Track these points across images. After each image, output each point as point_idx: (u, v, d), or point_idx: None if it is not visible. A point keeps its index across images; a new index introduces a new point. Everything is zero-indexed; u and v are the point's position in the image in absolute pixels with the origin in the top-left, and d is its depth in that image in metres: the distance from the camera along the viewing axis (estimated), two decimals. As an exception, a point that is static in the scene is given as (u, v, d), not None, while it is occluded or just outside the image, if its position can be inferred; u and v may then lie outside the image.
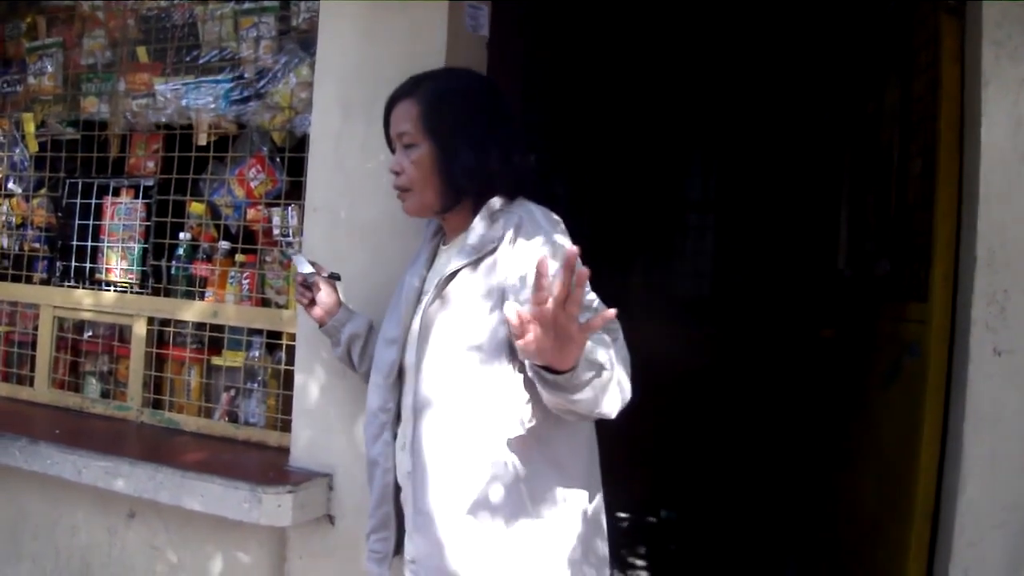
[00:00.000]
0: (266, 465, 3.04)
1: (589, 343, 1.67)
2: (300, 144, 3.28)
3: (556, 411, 1.85)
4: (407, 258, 2.36)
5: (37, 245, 4.02)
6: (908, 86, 3.22)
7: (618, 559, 5.12)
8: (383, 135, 2.25)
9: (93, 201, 3.77)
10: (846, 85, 4.15)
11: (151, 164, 3.71)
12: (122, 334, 3.72)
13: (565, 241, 2.01)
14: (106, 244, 3.74)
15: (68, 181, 3.85)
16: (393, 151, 2.20)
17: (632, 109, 6.51)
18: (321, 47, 3.03)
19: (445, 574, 2.01)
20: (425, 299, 2.11)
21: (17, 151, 4.04)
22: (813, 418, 4.30)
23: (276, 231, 3.37)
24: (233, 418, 3.43)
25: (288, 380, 3.16)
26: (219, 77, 3.46)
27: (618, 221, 6.68)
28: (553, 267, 1.84)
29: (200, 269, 3.52)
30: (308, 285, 2.49)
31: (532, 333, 1.55)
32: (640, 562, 5.20)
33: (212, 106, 3.44)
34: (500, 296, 1.95)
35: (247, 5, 3.42)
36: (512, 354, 1.91)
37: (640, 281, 6.95)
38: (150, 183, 3.66)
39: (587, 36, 5.74)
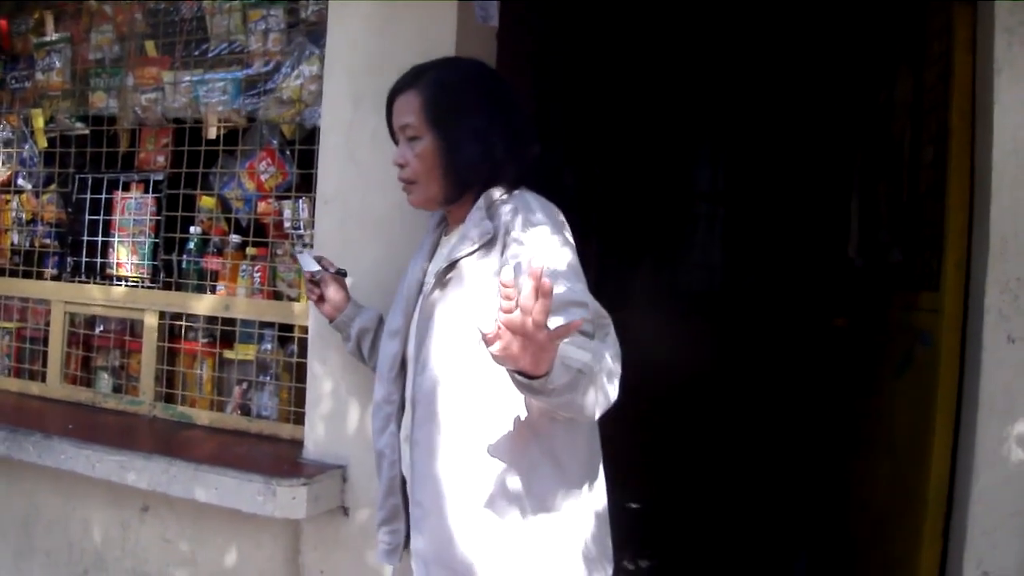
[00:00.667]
0: (279, 458, 3.05)
1: (569, 347, 1.67)
2: (310, 136, 3.27)
3: (540, 412, 1.85)
4: (417, 247, 2.36)
5: (48, 241, 4.02)
6: (920, 75, 3.21)
7: (631, 550, 5.12)
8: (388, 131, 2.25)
9: (103, 196, 3.77)
10: (857, 74, 4.13)
11: (161, 158, 3.71)
12: (133, 328, 3.72)
13: (560, 232, 2.00)
14: (116, 239, 3.74)
15: (78, 176, 3.85)
16: (397, 143, 2.21)
17: (642, 99, 6.50)
18: (330, 39, 3.03)
19: (445, 566, 2.02)
20: (425, 290, 2.13)
21: (26, 147, 4.04)
22: (825, 408, 4.29)
23: (287, 224, 3.37)
24: (246, 411, 3.43)
25: (300, 373, 3.17)
26: (228, 71, 3.46)
27: (628, 211, 6.67)
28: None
29: (211, 263, 3.52)
30: (316, 281, 2.50)
31: (501, 341, 1.53)
32: (653, 553, 5.20)
33: (221, 100, 3.44)
34: (495, 287, 1.94)
35: (255, -2, 3.42)
36: None
37: (650, 272, 6.94)
38: (160, 177, 3.66)
39: (597, 27, 5.73)
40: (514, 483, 1.94)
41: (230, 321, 3.44)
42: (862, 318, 3.72)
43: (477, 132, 2.10)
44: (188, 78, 3.52)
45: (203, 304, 3.47)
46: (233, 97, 3.43)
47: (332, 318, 2.52)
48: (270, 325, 3.38)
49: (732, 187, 6.92)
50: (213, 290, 3.50)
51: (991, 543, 2.52)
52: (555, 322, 1.61)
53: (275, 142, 3.42)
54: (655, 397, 5.93)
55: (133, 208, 3.70)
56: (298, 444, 3.10)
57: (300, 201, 3.33)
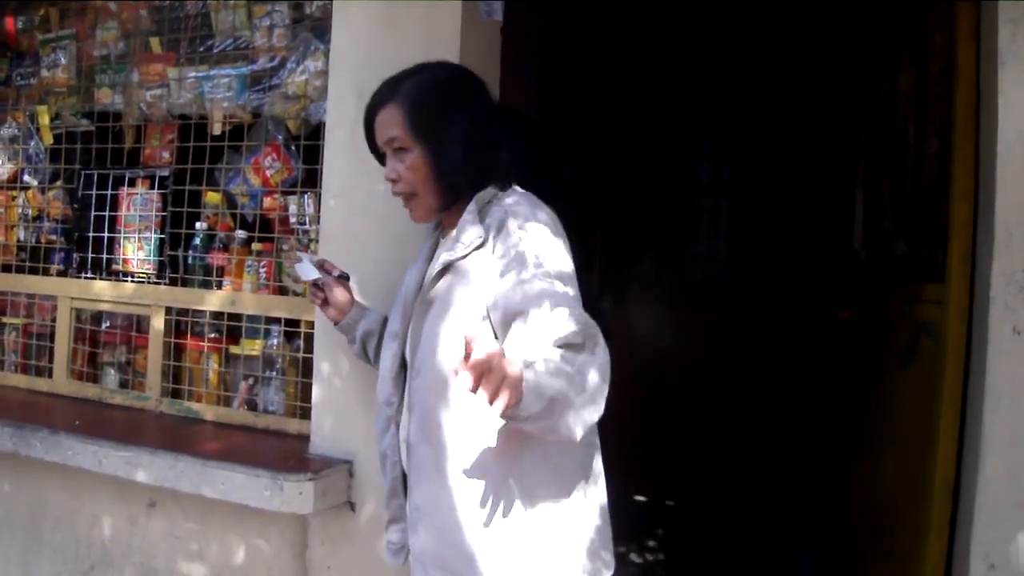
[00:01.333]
0: (286, 453, 3.05)
1: (543, 375, 1.68)
2: (315, 132, 3.28)
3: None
4: (422, 242, 2.37)
5: (54, 237, 4.03)
6: (923, 66, 3.20)
7: (636, 543, 5.13)
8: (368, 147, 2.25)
9: (109, 192, 3.78)
10: (861, 65, 4.13)
11: (166, 154, 3.72)
12: (140, 324, 3.73)
13: (550, 232, 1.99)
14: (122, 235, 3.75)
15: (83, 173, 3.86)
16: (381, 160, 2.21)
17: (646, 92, 6.49)
18: (335, 34, 3.03)
19: (441, 567, 2.03)
20: (421, 293, 2.14)
21: (32, 144, 4.04)
22: (830, 400, 4.29)
23: (293, 219, 3.38)
24: (252, 406, 3.44)
25: (307, 368, 3.18)
26: (233, 67, 3.46)
27: (632, 203, 6.67)
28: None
29: (217, 258, 3.53)
30: (320, 286, 2.50)
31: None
32: (657, 547, 5.20)
33: (226, 95, 3.44)
34: (487, 288, 1.96)
35: (260, -6, 3.42)
36: None
37: (654, 264, 6.94)
38: (166, 173, 3.67)
39: (601, 20, 5.73)
40: (508, 484, 1.95)
41: (236, 316, 3.45)
42: (867, 310, 3.72)
43: (461, 136, 2.09)
44: (193, 74, 3.53)
45: (209, 300, 3.47)
46: (238, 93, 3.43)
47: (337, 321, 2.53)
48: (276, 320, 3.39)
49: (736, 179, 6.91)
50: (219, 285, 3.51)
51: (998, 535, 2.52)
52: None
53: (280, 137, 3.42)
54: (659, 389, 5.94)
55: (139, 204, 3.71)
56: (305, 439, 3.10)
57: (306, 196, 3.33)
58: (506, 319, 1.90)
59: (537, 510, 1.96)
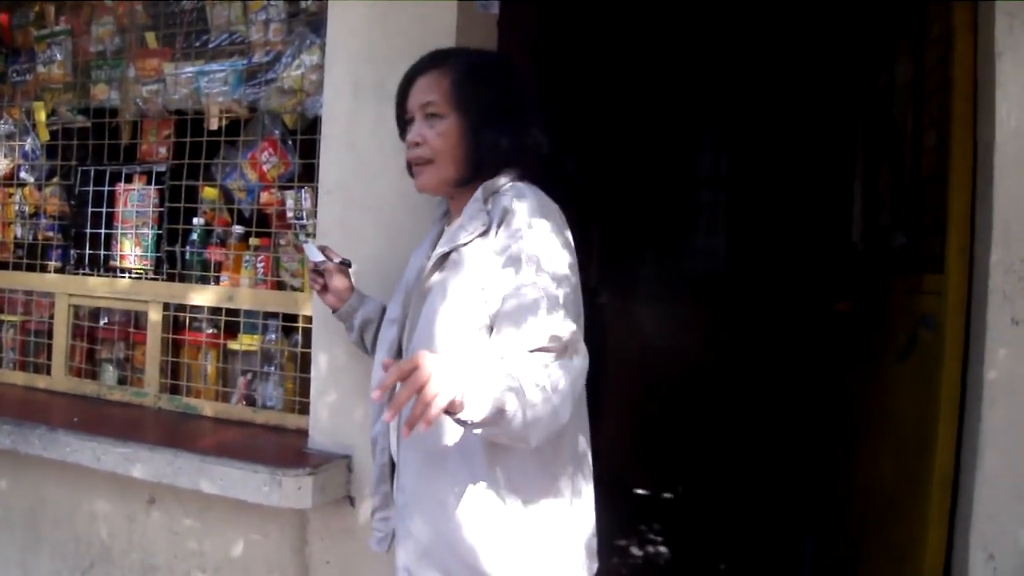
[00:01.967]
0: (285, 448, 3.06)
1: (495, 387, 1.68)
2: (312, 126, 3.27)
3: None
4: (421, 238, 2.37)
5: (51, 234, 4.03)
6: (920, 57, 3.20)
7: (636, 534, 5.15)
8: (395, 115, 2.24)
9: (106, 188, 3.77)
10: (858, 56, 4.12)
11: (163, 150, 3.72)
12: (138, 320, 3.73)
13: (553, 229, 1.99)
14: (120, 231, 3.74)
15: (80, 169, 3.85)
16: (403, 127, 2.21)
17: (643, 85, 6.48)
18: (331, 29, 3.03)
19: (425, 553, 2.03)
20: (422, 278, 2.14)
21: (28, 140, 4.04)
22: (829, 392, 4.29)
23: (290, 214, 3.37)
24: (251, 402, 3.44)
25: (305, 363, 3.18)
26: (229, 61, 3.46)
27: (630, 197, 6.66)
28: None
29: (214, 254, 3.53)
30: (320, 272, 2.50)
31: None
32: (659, 537, 5.21)
33: (223, 90, 3.44)
34: (486, 278, 1.96)
35: (256, -12, 3.41)
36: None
37: (652, 257, 6.93)
38: (162, 169, 3.66)
39: (598, 12, 5.72)
40: (495, 474, 1.95)
41: (234, 312, 3.44)
42: (865, 302, 3.72)
43: (500, 119, 2.11)
44: (189, 69, 3.52)
45: (207, 295, 3.47)
46: (234, 88, 3.43)
47: (336, 308, 2.52)
48: (274, 315, 3.38)
49: (734, 171, 6.90)
50: (217, 281, 3.51)
51: (997, 526, 2.53)
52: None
53: (277, 132, 3.42)
54: (658, 381, 5.95)
55: (136, 200, 3.71)
56: (303, 434, 3.10)
57: (303, 191, 3.33)
58: (497, 318, 1.90)
59: (523, 500, 1.96)
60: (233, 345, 3.48)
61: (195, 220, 3.55)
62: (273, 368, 3.40)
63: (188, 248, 3.56)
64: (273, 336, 3.40)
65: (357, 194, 2.93)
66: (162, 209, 3.64)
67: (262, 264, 3.42)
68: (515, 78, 2.22)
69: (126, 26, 3.75)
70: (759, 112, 6.37)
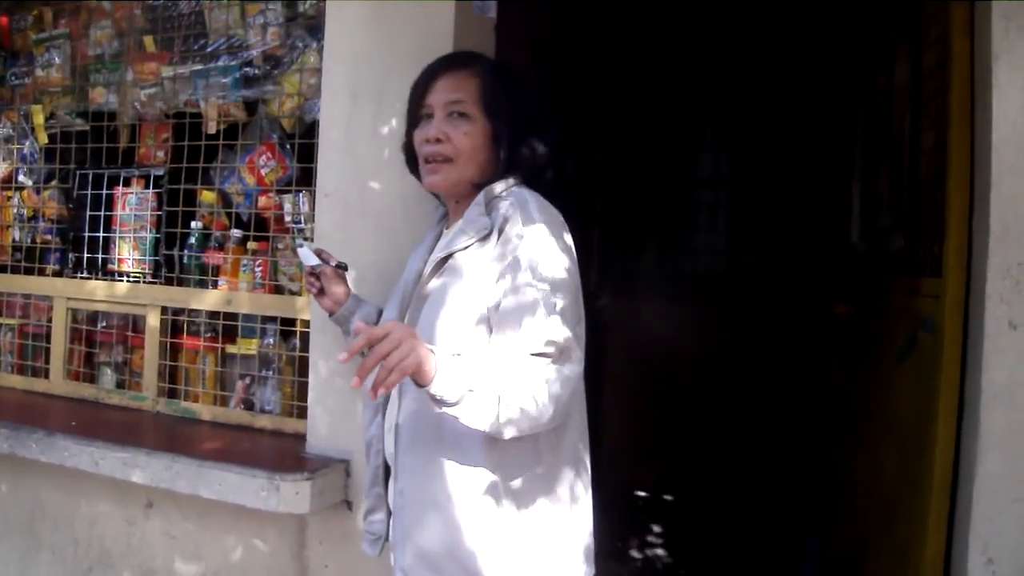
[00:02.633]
0: (283, 452, 3.05)
1: (477, 374, 1.74)
2: (310, 130, 3.27)
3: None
4: (418, 242, 2.37)
5: (49, 237, 4.03)
6: (918, 59, 3.20)
7: (638, 535, 5.15)
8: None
9: (104, 192, 3.79)
10: (856, 57, 4.12)
11: (161, 153, 3.71)
12: (136, 324, 3.72)
13: (556, 234, 1.99)
14: (118, 234, 3.75)
15: (78, 172, 3.86)
16: (415, 122, 2.21)
17: (642, 86, 6.48)
18: (329, 33, 3.03)
19: (421, 555, 2.02)
20: (420, 281, 2.14)
21: (27, 143, 4.04)
22: (830, 393, 4.29)
23: (288, 218, 3.37)
24: (249, 406, 3.43)
25: (303, 367, 3.17)
26: (227, 65, 3.45)
27: (629, 197, 6.65)
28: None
29: (212, 257, 3.53)
30: (316, 275, 2.49)
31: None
32: (660, 539, 5.21)
33: (221, 94, 3.44)
34: (485, 283, 1.96)
35: (253, -8, 3.41)
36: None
37: (652, 258, 6.92)
38: (160, 172, 3.67)
39: (595, 14, 5.72)
40: (494, 476, 1.95)
41: (232, 316, 3.44)
42: (864, 304, 3.72)
43: (522, 128, 2.13)
44: (187, 73, 3.52)
45: (205, 299, 3.47)
46: (232, 91, 3.43)
47: (332, 312, 2.52)
48: (272, 319, 3.38)
49: (734, 172, 6.89)
50: (215, 285, 3.50)
51: (996, 529, 2.52)
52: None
53: (275, 136, 3.42)
54: (659, 382, 5.94)
55: (134, 203, 3.71)
56: (301, 438, 3.10)
57: (301, 195, 3.33)
58: (495, 324, 1.91)
59: (521, 504, 1.96)
60: (231, 349, 3.48)
61: (193, 224, 3.55)
62: (271, 372, 3.40)
63: (186, 252, 3.55)
64: (271, 340, 3.40)
65: (355, 198, 2.93)
66: (160, 213, 3.64)
67: (260, 268, 3.41)
68: (532, 93, 2.25)
69: (124, 30, 3.75)
70: (759, 113, 6.36)
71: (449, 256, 2.05)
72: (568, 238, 2.03)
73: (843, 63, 4.50)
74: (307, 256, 2.47)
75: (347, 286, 2.53)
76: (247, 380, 3.45)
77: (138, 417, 3.54)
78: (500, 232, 1.97)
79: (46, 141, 3.98)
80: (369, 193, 2.88)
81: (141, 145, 3.77)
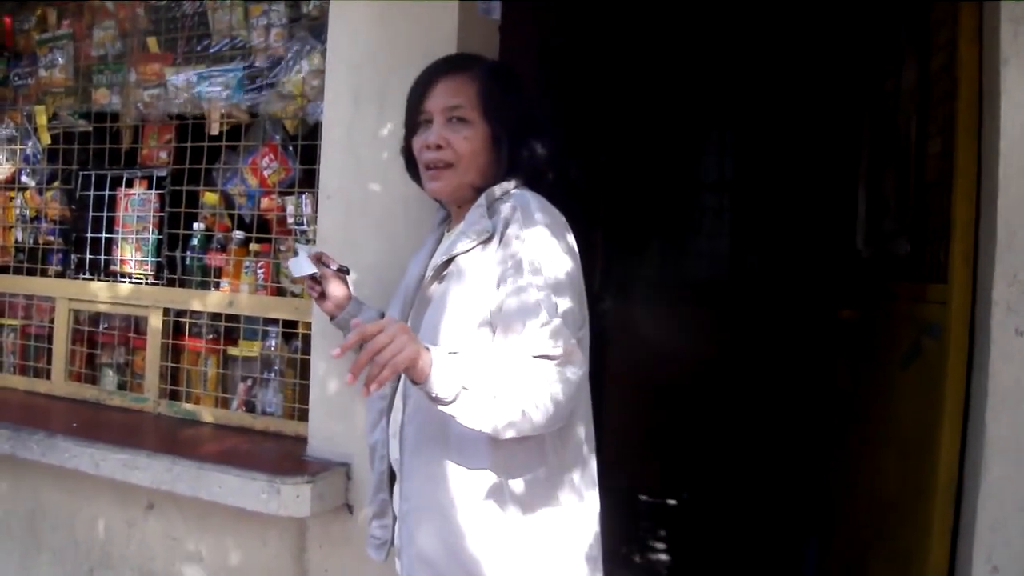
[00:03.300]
0: (284, 455, 3.04)
1: (474, 373, 1.73)
2: (313, 132, 3.27)
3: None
4: (420, 244, 2.36)
5: (51, 238, 4.02)
6: (926, 64, 3.18)
7: (639, 539, 5.14)
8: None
9: (106, 193, 3.78)
10: (864, 62, 4.11)
11: (164, 154, 3.71)
12: (138, 325, 3.72)
13: (558, 235, 1.99)
14: (120, 236, 3.74)
15: (81, 173, 3.85)
16: (413, 128, 2.19)
17: (646, 90, 6.47)
18: (332, 34, 3.02)
19: (427, 561, 2.01)
20: (422, 285, 2.13)
21: (30, 144, 4.04)
22: (833, 398, 4.27)
23: (290, 220, 3.37)
24: (250, 408, 3.43)
25: (305, 369, 3.17)
26: (230, 66, 3.45)
27: (634, 201, 6.65)
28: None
29: (215, 259, 3.52)
30: (318, 279, 2.48)
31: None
32: (661, 542, 5.21)
33: (224, 95, 3.43)
34: (488, 286, 1.95)
35: (257, -7, 3.41)
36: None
37: (656, 262, 6.91)
38: (163, 174, 3.66)
39: (600, 17, 5.71)
40: (500, 480, 1.94)
41: (234, 318, 3.44)
42: (869, 309, 3.70)
43: (522, 131, 2.12)
44: (191, 74, 3.51)
45: (207, 301, 3.46)
46: (235, 93, 3.42)
47: (334, 316, 2.50)
48: (274, 321, 3.38)
49: (739, 176, 6.88)
50: (217, 287, 3.49)
51: (1001, 537, 2.50)
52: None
53: (278, 138, 3.42)
54: (662, 386, 5.93)
55: (136, 205, 3.70)
56: (303, 441, 3.09)
57: (303, 197, 3.32)
58: (498, 327, 1.89)
59: (526, 509, 1.95)
60: (233, 351, 3.48)
61: (195, 225, 3.55)
62: (273, 374, 3.39)
63: (188, 253, 3.55)
64: (273, 342, 3.39)
65: (357, 200, 2.92)
66: (163, 214, 3.63)
67: (262, 270, 3.41)
68: (530, 96, 2.23)
69: (128, 30, 3.75)
70: (764, 116, 6.35)
71: (451, 260, 2.03)
72: (571, 239, 2.02)
73: (850, 67, 4.49)
74: (297, 266, 2.45)
75: (349, 289, 2.51)
76: (248, 382, 3.44)
77: (139, 419, 3.54)
78: (502, 235, 1.96)
79: (49, 142, 3.98)
80: (371, 195, 2.88)
81: (144, 146, 3.76)
